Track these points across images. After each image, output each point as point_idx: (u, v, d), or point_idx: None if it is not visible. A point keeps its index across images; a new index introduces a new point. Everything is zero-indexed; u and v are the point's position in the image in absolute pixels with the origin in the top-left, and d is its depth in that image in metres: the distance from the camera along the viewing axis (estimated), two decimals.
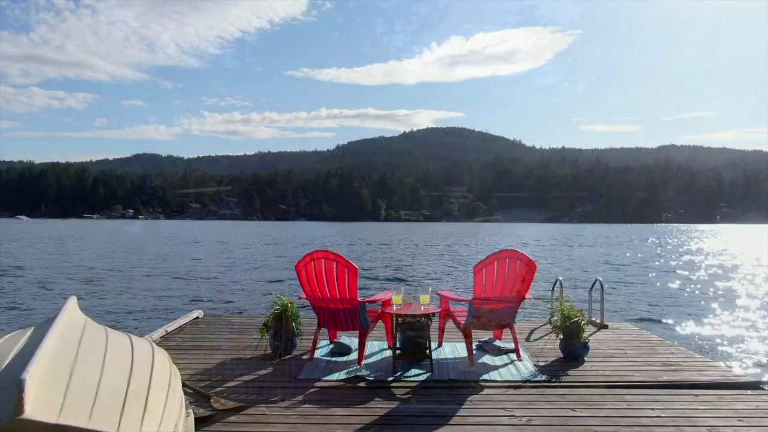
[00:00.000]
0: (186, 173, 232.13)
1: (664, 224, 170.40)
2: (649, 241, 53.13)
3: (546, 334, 6.17)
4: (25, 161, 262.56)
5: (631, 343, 5.80)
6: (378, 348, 5.58)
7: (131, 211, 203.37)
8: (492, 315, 5.02)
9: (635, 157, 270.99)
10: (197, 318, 7.04)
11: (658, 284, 18.02)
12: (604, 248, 39.40)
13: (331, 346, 5.53)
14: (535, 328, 6.56)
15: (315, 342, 5.22)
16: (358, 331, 5.05)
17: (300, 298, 5.21)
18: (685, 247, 41.79)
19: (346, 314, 5.00)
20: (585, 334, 5.13)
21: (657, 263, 26.93)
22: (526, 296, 5.02)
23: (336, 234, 67.87)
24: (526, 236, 65.99)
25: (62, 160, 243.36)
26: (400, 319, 4.93)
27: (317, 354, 5.29)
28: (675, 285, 18.15)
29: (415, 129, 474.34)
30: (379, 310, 5.32)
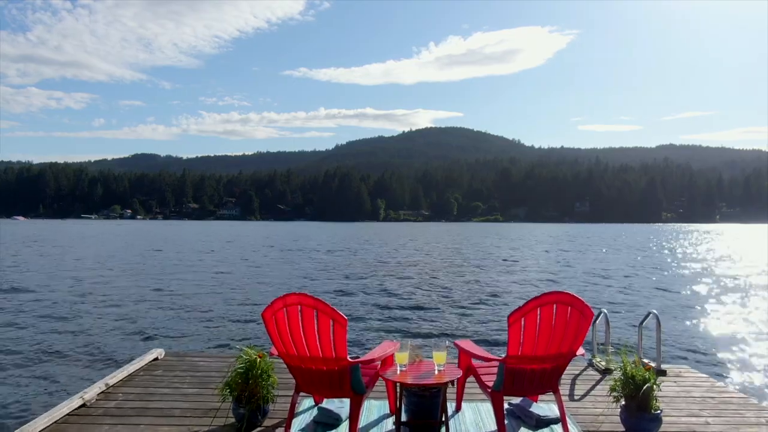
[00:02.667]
0: (184, 173, 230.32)
1: (663, 224, 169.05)
2: (663, 244, 50.76)
3: (593, 387, 4.87)
4: (23, 161, 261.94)
5: (706, 403, 4.48)
6: (377, 413, 4.26)
7: (129, 211, 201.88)
8: (532, 377, 3.71)
9: (634, 156, 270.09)
10: (156, 360, 5.71)
11: (702, 302, 15.10)
12: (615, 253, 37.52)
13: (315, 412, 4.22)
14: (576, 375, 5.23)
15: (292, 409, 3.90)
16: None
17: (271, 354, 3.90)
18: (700, 251, 38.94)
19: (332, 377, 3.68)
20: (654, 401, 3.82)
21: (683, 271, 24.21)
22: (578, 353, 3.72)
23: (332, 235, 66.31)
24: (530, 237, 64.61)
25: (60, 161, 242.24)
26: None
27: (295, 425, 3.98)
28: (720, 304, 15.09)
29: (413, 129, 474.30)
30: (378, 367, 4.01)
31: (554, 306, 3.60)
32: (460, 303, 13.95)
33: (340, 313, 3.58)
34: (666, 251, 39.07)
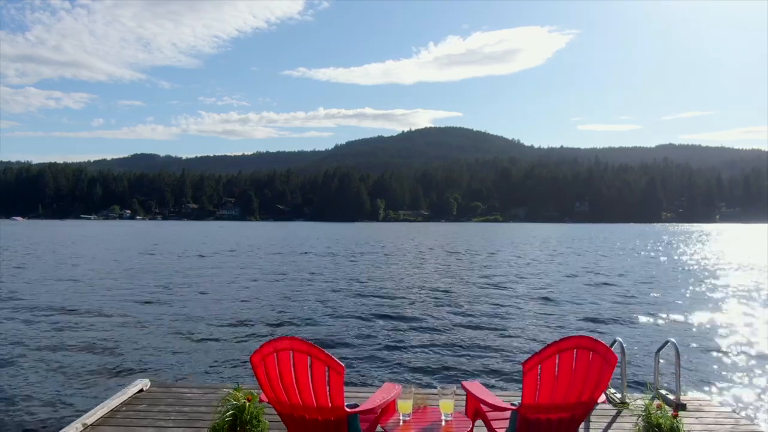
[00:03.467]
0: (184, 173, 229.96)
1: (664, 224, 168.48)
2: (668, 247, 48.95)
3: (609, 425, 4.52)
4: (23, 161, 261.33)
5: None
6: None
7: (129, 211, 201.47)
8: (548, 427, 3.36)
9: (634, 156, 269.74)
10: (140, 392, 5.34)
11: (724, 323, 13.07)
12: (620, 258, 36.38)
13: None
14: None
15: None
16: None
17: (260, 401, 3.55)
18: (709, 255, 37.01)
19: (327, 427, 3.34)
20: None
21: (693, 279, 22.55)
22: (599, 400, 3.38)
23: (329, 239, 65.76)
24: (532, 240, 64.16)
25: (60, 161, 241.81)
26: None
27: None
28: (737, 318, 13.62)
29: (413, 128, 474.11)
30: (378, 412, 3.66)
31: (575, 351, 3.25)
32: (465, 327, 12.15)
33: (336, 360, 3.24)
34: (673, 255, 37.34)
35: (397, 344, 10.44)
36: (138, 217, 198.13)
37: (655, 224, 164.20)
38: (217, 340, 10.67)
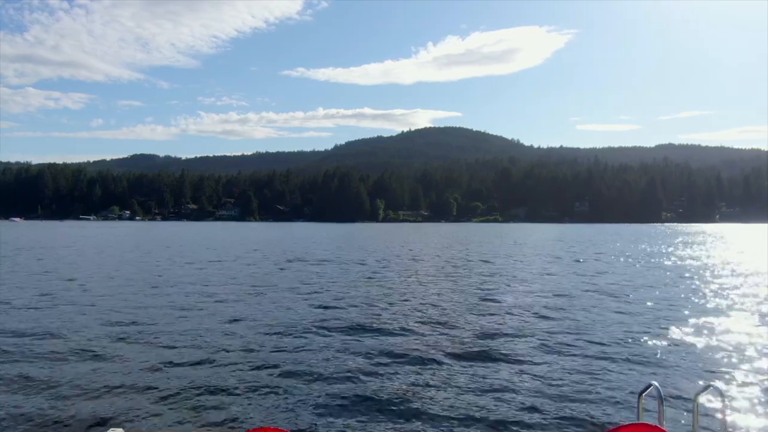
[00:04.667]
0: (183, 174, 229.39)
1: (664, 224, 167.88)
2: (677, 251, 45.57)
3: None
4: (22, 162, 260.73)
5: None
6: None
7: (128, 212, 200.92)
8: None
9: (634, 156, 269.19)
10: None
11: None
12: (631, 265, 34.41)
13: None
14: None
15: None
16: None
17: None
18: (727, 261, 33.99)
19: None
20: None
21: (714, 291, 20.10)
22: None
23: (328, 243, 64.77)
24: (534, 242, 63.47)
25: (59, 161, 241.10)
26: None
27: None
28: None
29: (413, 128, 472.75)
30: None
31: None
32: (477, 366, 9.90)
33: None
34: (695, 264, 32.34)
35: (404, 396, 8.42)
36: (137, 218, 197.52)
37: (656, 224, 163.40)
38: (200, 377, 9.06)
